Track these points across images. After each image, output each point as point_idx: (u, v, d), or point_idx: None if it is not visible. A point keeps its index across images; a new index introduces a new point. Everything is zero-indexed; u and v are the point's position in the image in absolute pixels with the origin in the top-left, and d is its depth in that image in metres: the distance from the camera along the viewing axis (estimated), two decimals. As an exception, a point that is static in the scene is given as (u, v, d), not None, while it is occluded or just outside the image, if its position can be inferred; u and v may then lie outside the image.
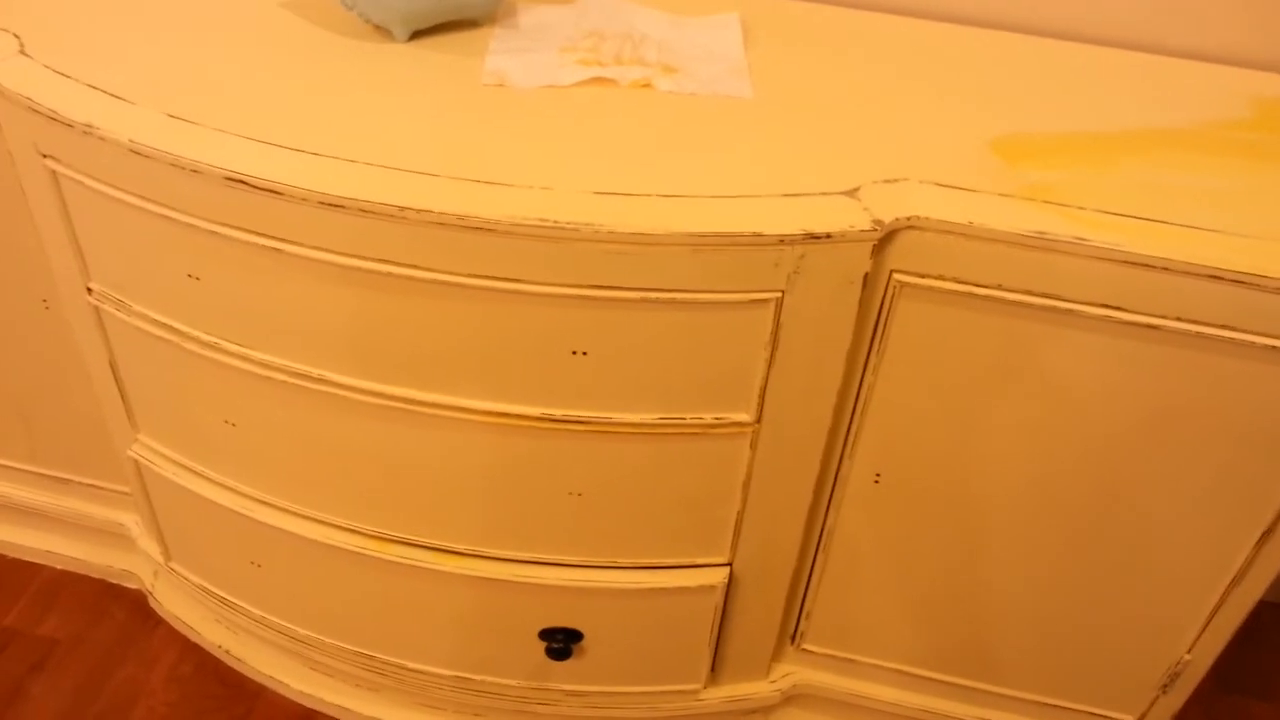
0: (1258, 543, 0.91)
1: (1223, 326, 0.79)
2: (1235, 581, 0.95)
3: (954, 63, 0.99)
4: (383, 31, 0.95)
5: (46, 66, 0.88)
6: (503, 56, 0.92)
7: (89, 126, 0.82)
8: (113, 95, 0.84)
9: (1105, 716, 1.10)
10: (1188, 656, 1.02)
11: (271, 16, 0.97)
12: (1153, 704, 1.08)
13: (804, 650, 1.13)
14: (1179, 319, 0.79)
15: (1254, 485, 0.88)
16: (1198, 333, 0.80)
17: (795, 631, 1.11)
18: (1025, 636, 1.05)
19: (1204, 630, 1.00)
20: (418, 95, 0.87)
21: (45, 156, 0.88)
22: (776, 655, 1.14)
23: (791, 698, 1.17)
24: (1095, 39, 1.06)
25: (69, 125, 0.83)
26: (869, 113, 0.90)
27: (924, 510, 0.97)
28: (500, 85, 0.89)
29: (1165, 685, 1.05)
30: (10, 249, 1.02)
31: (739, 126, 0.87)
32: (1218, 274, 0.77)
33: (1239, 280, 0.77)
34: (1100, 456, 0.89)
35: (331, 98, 0.86)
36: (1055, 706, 1.11)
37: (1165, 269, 0.77)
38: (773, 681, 1.14)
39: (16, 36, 0.91)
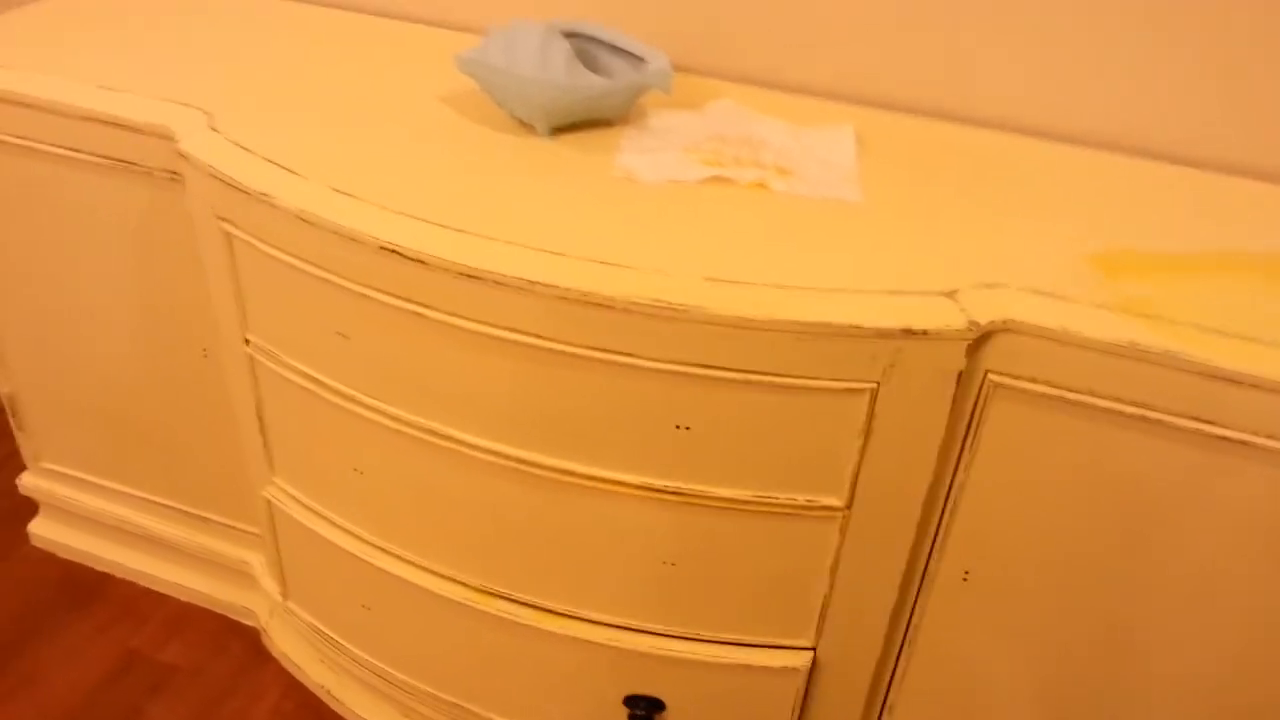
0: (1355, 673, 0.90)
1: (1316, 447, 0.80)
2: (1332, 712, 0.93)
3: (1058, 179, 1.04)
4: (528, 127, 1.05)
5: (231, 141, 1.00)
6: (632, 154, 1.01)
7: (264, 195, 0.93)
8: (287, 169, 0.95)
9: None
10: (1281, 789, 0.99)
11: (432, 109, 1.08)
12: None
13: (884, 746, 1.14)
14: (1269, 436, 0.81)
15: (1353, 613, 0.88)
16: (1289, 451, 0.81)
17: (877, 724, 1.12)
18: (1111, 752, 1.04)
19: (1299, 761, 0.97)
20: (554, 184, 0.96)
21: (222, 219, 1.00)
22: (856, 748, 1.15)
23: (869, 794, 1.17)
24: (1197, 162, 1.09)
25: (246, 193, 0.94)
26: (973, 223, 0.95)
27: (1009, 612, 0.98)
28: (628, 179, 0.97)
29: (1258, 818, 1.03)
30: (179, 300, 1.14)
31: (846, 227, 0.93)
32: (1309, 393, 0.78)
33: (1331, 401, 0.78)
34: (1186, 570, 0.90)
35: (477, 182, 0.95)
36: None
37: (1255, 386, 0.79)
38: (850, 774, 1.15)
39: (207, 114, 1.04)
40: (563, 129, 1.05)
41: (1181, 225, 0.98)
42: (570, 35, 1.06)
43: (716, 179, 0.98)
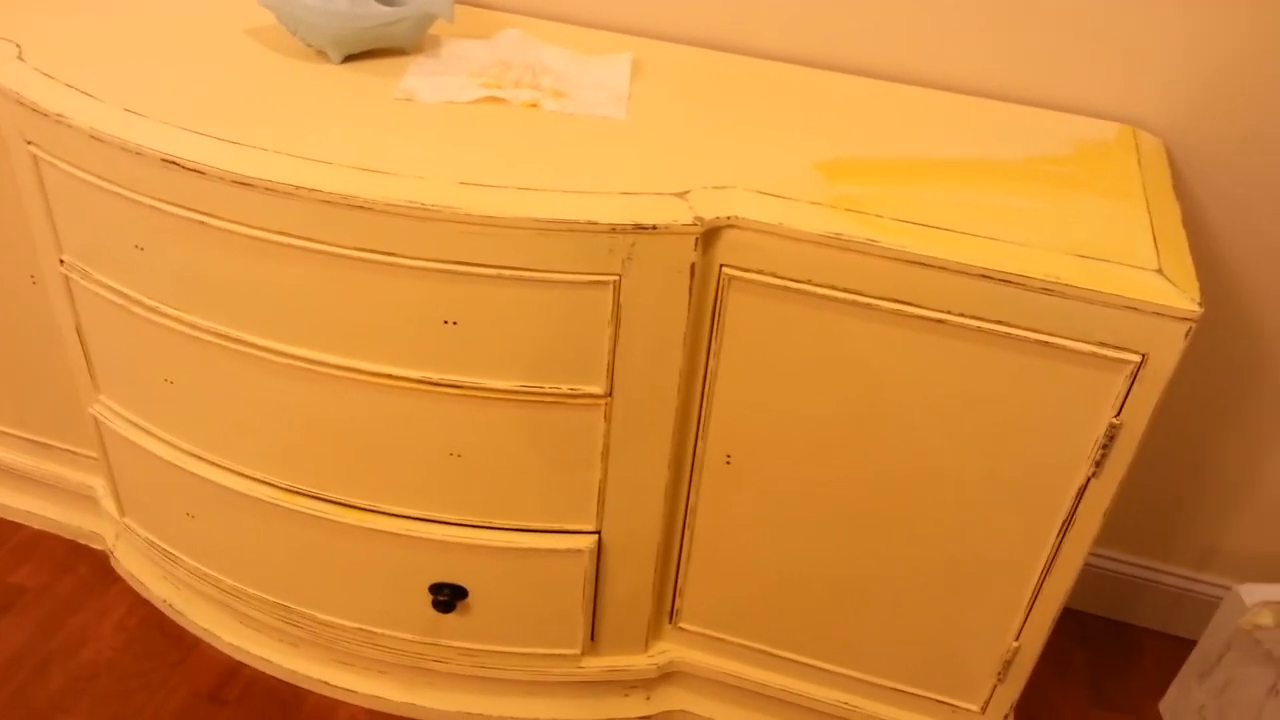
0: (1060, 530, 1.02)
1: (998, 322, 0.91)
2: (1046, 570, 1.05)
3: (803, 100, 1.13)
4: (323, 55, 1.12)
5: (36, 69, 1.05)
6: (417, 78, 1.09)
7: (60, 115, 0.99)
8: (83, 92, 1.01)
9: (951, 704, 1.20)
10: (1015, 644, 1.11)
11: (234, 41, 1.15)
12: (993, 692, 1.17)
13: (680, 629, 1.24)
14: (961, 314, 0.92)
15: (1050, 475, 0.99)
16: (977, 327, 0.92)
17: (672, 609, 1.22)
18: (874, 621, 1.15)
19: (1027, 618, 1.09)
20: (336, 104, 1.03)
21: (29, 143, 1.05)
22: (656, 632, 1.25)
23: (669, 674, 1.28)
24: (946, 85, 1.20)
25: (45, 114, 1.00)
26: (720, 137, 1.04)
27: (770, 493, 1.09)
28: (408, 100, 1.05)
29: (1000, 673, 1.14)
30: (4, 229, 1.20)
31: (604, 142, 1.01)
32: (987, 273, 0.89)
33: (1006, 280, 0.89)
34: (912, 444, 1.01)
35: (264, 103, 1.02)
36: (906, 693, 1.20)
37: (943, 268, 0.90)
38: (650, 656, 1.25)
39: (17, 45, 1.09)
40: (355, 57, 1.12)
41: (916, 139, 1.08)
42: (364, -31, 1.13)
43: (492, 99, 1.06)
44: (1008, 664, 1.13)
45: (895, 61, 1.20)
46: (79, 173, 1.02)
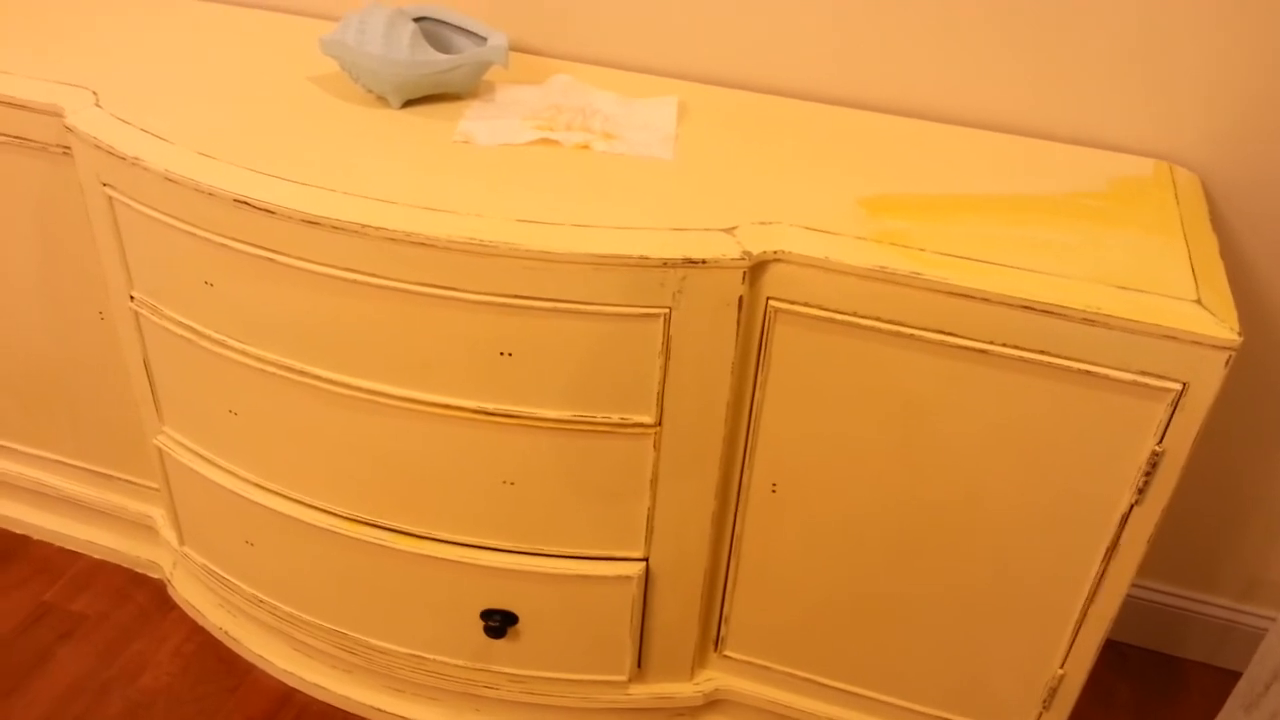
0: (1104, 558, 1.03)
1: (1040, 351, 0.93)
2: (1091, 597, 1.06)
3: (844, 139, 1.17)
4: (383, 100, 1.17)
5: (112, 115, 1.11)
6: (474, 122, 1.13)
7: (136, 159, 1.04)
8: (158, 137, 1.07)
9: (997, 734, 1.20)
10: (1060, 671, 1.12)
11: (297, 87, 1.20)
12: (1038, 721, 1.18)
13: (725, 656, 1.26)
14: (1004, 344, 0.94)
15: (1093, 503, 1.01)
16: (1019, 356, 0.94)
17: (717, 637, 1.24)
18: (918, 649, 1.17)
19: (1072, 645, 1.10)
20: (397, 147, 1.08)
21: (105, 185, 1.11)
22: (701, 660, 1.27)
23: (714, 702, 1.29)
24: (983, 124, 1.23)
25: (122, 158, 1.05)
26: (764, 175, 1.08)
27: (815, 521, 1.11)
28: (466, 142, 1.10)
29: (1046, 701, 1.15)
30: (76, 267, 1.25)
31: (653, 181, 1.05)
32: (1029, 304, 0.92)
33: (1048, 310, 0.91)
34: (956, 472, 1.03)
35: (328, 146, 1.07)
36: (951, 722, 1.22)
37: (985, 300, 0.93)
38: (696, 684, 1.27)
39: (94, 92, 1.15)
40: (414, 102, 1.17)
41: (955, 175, 1.11)
42: (420, 19, 1.18)
43: (545, 141, 1.11)
44: (1053, 692, 1.14)
45: (933, 101, 1.23)
46: (153, 213, 1.07)
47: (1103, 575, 1.04)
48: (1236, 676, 1.50)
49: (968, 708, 1.20)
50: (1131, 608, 1.51)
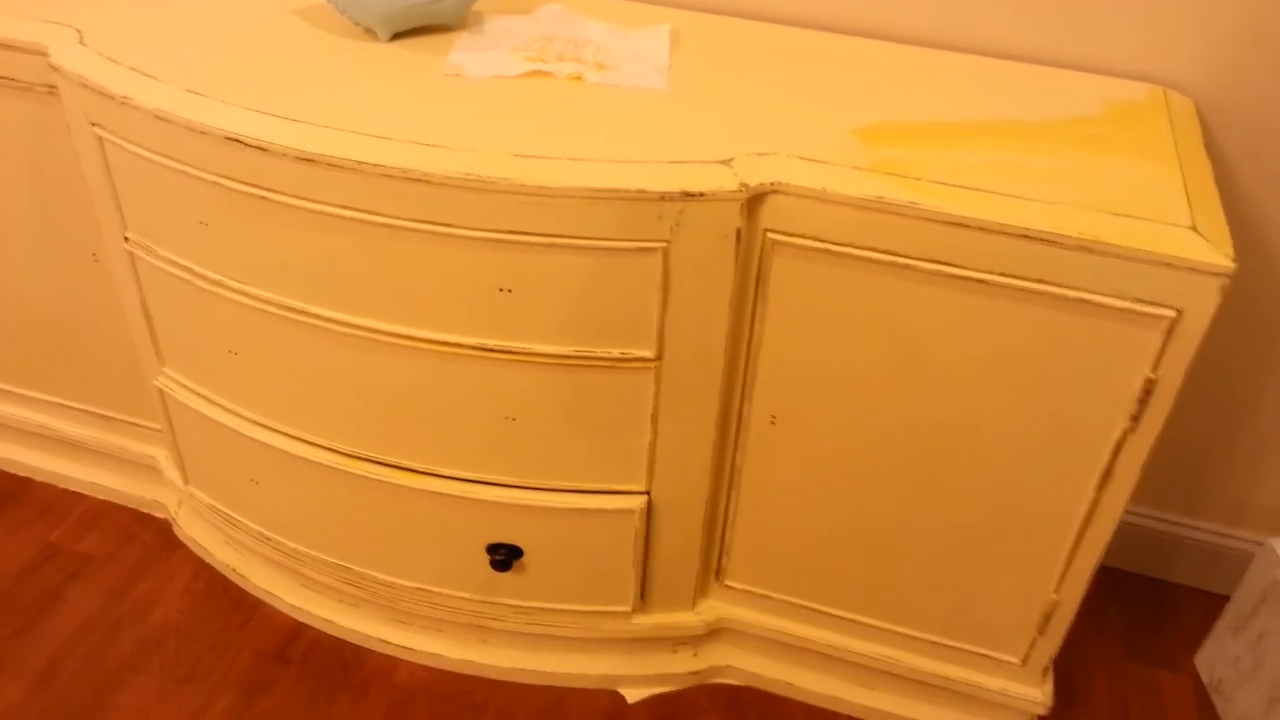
0: (1098, 485, 1.04)
1: (1036, 280, 0.94)
2: (1085, 523, 1.08)
3: (843, 68, 1.16)
4: (370, 33, 1.16)
5: (98, 54, 1.09)
6: (464, 54, 1.12)
7: (126, 97, 1.03)
8: (147, 75, 1.05)
9: (992, 657, 1.23)
10: (1055, 596, 1.14)
11: (284, 21, 1.18)
12: (1033, 645, 1.20)
13: (727, 586, 1.28)
14: (1000, 273, 0.94)
15: (1088, 430, 1.02)
16: (1015, 286, 0.94)
17: (718, 567, 1.26)
18: (916, 576, 1.19)
19: (1066, 570, 1.12)
20: (387, 81, 1.07)
21: (94, 125, 1.10)
22: (703, 590, 1.29)
23: (717, 631, 1.32)
24: (978, 49, 1.22)
25: (111, 97, 1.04)
26: (760, 106, 1.07)
27: (814, 452, 1.12)
28: (457, 75, 1.08)
29: (1041, 626, 1.18)
30: (67, 209, 1.24)
31: (648, 112, 1.04)
32: (1025, 233, 0.92)
33: (1044, 238, 0.91)
34: (953, 402, 1.04)
35: (318, 80, 1.06)
36: (948, 646, 1.24)
37: (982, 228, 0.93)
38: (698, 614, 1.29)
39: (78, 31, 1.13)
40: (402, 34, 1.15)
41: (951, 102, 1.10)
42: (409, -51, 1.16)
43: (537, 73, 1.09)
44: (1048, 617, 1.16)
45: (926, 26, 1.22)
46: (144, 152, 1.06)
47: (1097, 501, 1.06)
48: (1224, 600, 1.53)
49: (964, 633, 1.22)
50: (1121, 532, 1.53)
